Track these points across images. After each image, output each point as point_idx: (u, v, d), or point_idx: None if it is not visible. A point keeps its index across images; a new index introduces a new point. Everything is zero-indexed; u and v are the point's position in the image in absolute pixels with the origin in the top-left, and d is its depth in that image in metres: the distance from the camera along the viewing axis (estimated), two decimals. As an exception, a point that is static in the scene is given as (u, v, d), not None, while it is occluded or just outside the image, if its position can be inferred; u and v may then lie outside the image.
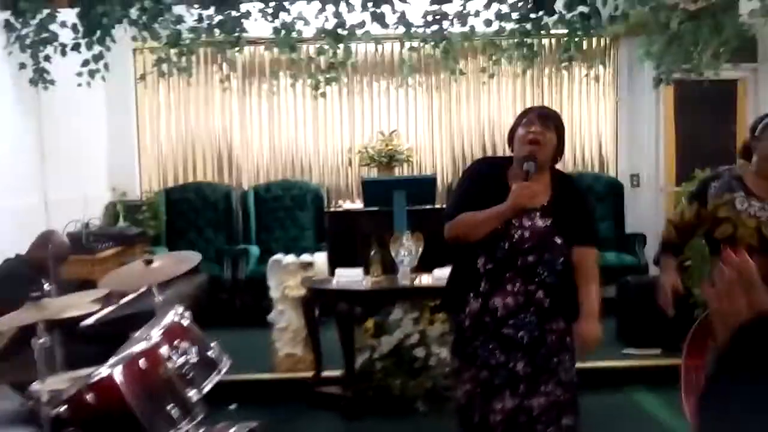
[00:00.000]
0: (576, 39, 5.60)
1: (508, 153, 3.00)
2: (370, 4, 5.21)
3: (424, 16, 5.37)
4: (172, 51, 5.67)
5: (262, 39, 6.56)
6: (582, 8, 5.31)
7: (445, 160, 7.50)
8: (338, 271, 4.88)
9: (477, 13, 5.33)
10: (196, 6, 5.33)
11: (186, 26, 5.47)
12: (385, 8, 5.23)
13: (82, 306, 3.33)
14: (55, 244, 4.34)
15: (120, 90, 7.03)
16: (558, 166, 3.03)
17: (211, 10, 5.30)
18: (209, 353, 3.34)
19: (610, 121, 7.55)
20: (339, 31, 5.32)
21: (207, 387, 3.20)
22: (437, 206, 5.67)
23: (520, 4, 5.32)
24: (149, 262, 3.56)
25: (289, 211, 7.25)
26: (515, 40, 5.62)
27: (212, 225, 7.22)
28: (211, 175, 7.43)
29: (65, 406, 2.73)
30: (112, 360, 2.90)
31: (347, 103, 7.46)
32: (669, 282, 3.16)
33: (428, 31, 5.42)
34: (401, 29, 5.38)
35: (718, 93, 7.09)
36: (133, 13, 5.29)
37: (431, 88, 7.48)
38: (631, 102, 7.41)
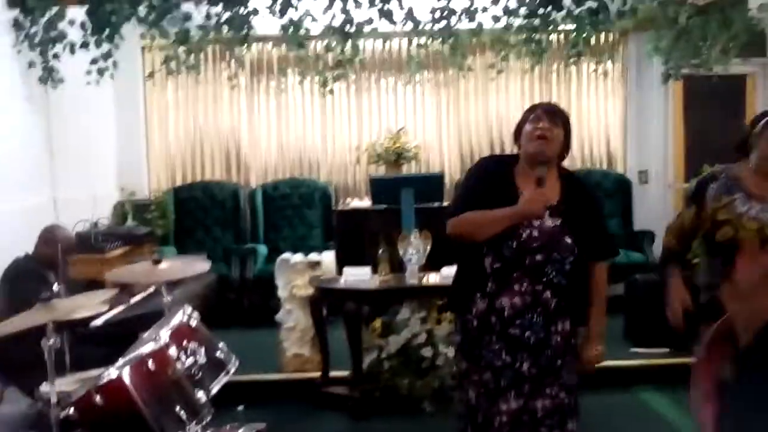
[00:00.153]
0: (584, 35, 5.58)
1: (515, 150, 2.98)
2: (377, 1, 5.21)
3: (432, 12, 5.36)
4: (181, 49, 5.66)
5: (270, 36, 6.55)
6: (590, 4, 5.30)
7: (452, 158, 7.48)
8: (346, 270, 4.88)
9: (485, 9, 5.31)
10: (204, 3, 5.34)
11: (194, 24, 5.47)
12: (393, 5, 5.22)
13: (92, 307, 3.35)
14: (61, 238, 4.36)
15: (128, 88, 7.02)
16: (567, 163, 3.02)
17: (219, 8, 5.30)
18: (217, 354, 3.36)
19: (619, 117, 7.51)
20: (346, 28, 5.31)
21: (215, 388, 3.22)
22: (445, 204, 5.65)
23: (528, -1, 5.31)
24: (158, 261, 3.57)
25: (297, 209, 7.25)
26: (523, 36, 5.60)
27: (220, 224, 7.22)
28: (219, 173, 7.43)
29: (73, 408, 2.73)
30: (120, 361, 2.91)
31: (355, 100, 7.44)
32: (678, 299, 3.11)
33: (436, 27, 5.41)
34: (409, 25, 5.37)
35: (728, 88, 7.05)
36: (142, 11, 5.29)
37: (439, 85, 7.45)
38: (640, 97, 7.37)
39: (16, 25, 5.28)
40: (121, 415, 2.74)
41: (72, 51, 5.39)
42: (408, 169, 7.10)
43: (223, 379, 3.29)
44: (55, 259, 4.22)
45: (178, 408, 2.89)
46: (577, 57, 5.89)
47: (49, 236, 4.38)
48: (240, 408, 3.71)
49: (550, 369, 2.83)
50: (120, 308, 3.74)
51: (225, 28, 5.37)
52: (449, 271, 4.30)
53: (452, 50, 5.71)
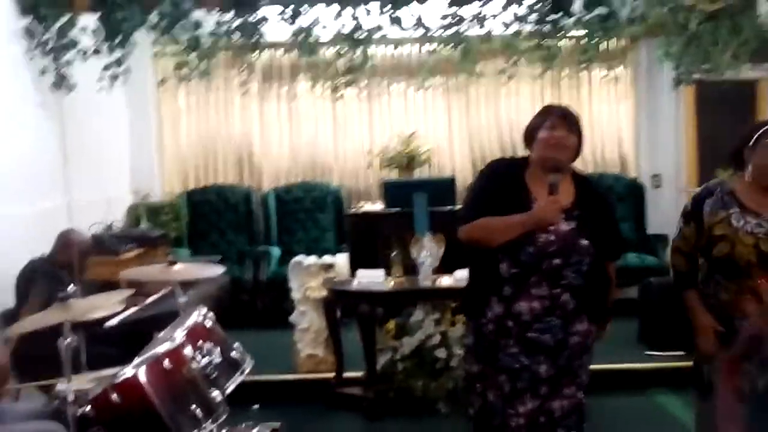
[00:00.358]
0: (595, 41, 5.59)
1: (526, 154, 2.97)
2: (387, 8, 5.23)
3: (442, 18, 5.37)
4: (192, 55, 5.70)
5: (281, 43, 6.59)
6: (600, 10, 5.30)
7: (464, 162, 7.49)
8: (359, 272, 4.90)
9: (494, 16, 5.33)
10: (215, 11, 5.38)
11: (205, 31, 5.50)
12: (403, 12, 5.24)
13: (108, 307, 3.38)
14: (77, 242, 4.40)
15: (141, 93, 7.05)
16: (579, 167, 3.03)
17: (230, 15, 5.33)
18: (232, 354, 3.38)
19: (630, 122, 7.51)
20: (356, 35, 5.33)
21: (230, 387, 3.23)
22: (458, 207, 5.66)
23: (537, 5, 5.31)
24: (173, 262, 3.60)
25: (309, 212, 7.28)
26: (534, 42, 5.61)
27: (233, 227, 7.25)
28: (231, 177, 7.46)
29: (90, 406, 2.75)
30: (136, 360, 2.93)
31: (366, 106, 7.47)
32: (707, 325, 3.03)
33: (446, 33, 5.42)
34: (419, 32, 5.39)
35: (738, 93, 7.04)
36: (153, 18, 5.33)
37: (450, 90, 7.47)
38: (651, 102, 7.36)
39: (29, 32, 5.32)
40: (137, 413, 2.75)
41: (84, 57, 5.43)
42: (419, 173, 7.12)
43: (237, 379, 3.30)
44: (71, 262, 4.25)
45: (193, 406, 2.90)
46: (587, 63, 5.90)
47: (65, 240, 4.42)
48: (255, 407, 3.72)
49: (568, 369, 2.83)
50: (135, 309, 3.77)
51: (236, 35, 5.41)
52: (462, 274, 4.30)
53: (462, 56, 5.72)
